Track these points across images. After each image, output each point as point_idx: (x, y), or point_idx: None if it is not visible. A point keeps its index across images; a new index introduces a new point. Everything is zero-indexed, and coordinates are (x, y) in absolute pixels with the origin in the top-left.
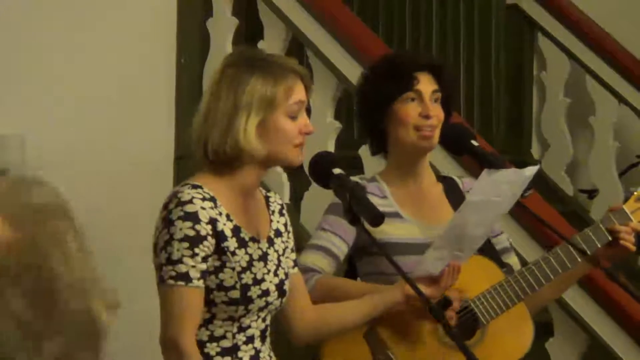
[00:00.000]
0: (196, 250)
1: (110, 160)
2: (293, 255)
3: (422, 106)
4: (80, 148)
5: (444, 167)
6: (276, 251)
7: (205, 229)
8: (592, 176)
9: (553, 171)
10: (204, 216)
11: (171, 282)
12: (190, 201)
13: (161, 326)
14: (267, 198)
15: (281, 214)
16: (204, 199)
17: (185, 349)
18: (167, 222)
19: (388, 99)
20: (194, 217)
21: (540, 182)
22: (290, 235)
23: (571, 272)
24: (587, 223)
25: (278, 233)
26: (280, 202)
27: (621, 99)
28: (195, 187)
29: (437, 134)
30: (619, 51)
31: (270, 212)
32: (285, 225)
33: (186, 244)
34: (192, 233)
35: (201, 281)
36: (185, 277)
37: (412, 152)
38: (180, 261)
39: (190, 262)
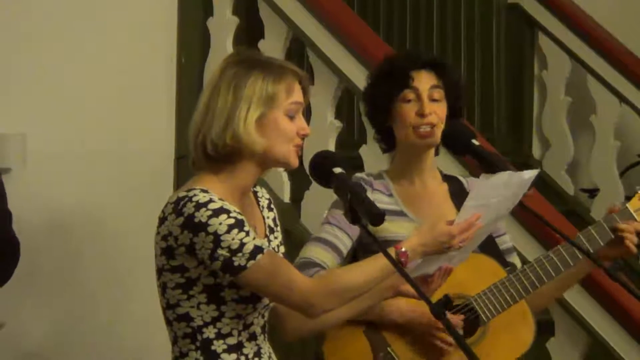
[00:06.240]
0: (246, 229)
1: (111, 160)
2: (282, 249)
3: (419, 105)
4: (81, 147)
5: (444, 167)
6: (273, 249)
7: (239, 214)
8: (593, 175)
9: (554, 170)
10: (231, 207)
11: (252, 262)
12: (211, 200)
13: (287, 298)
14: (255, 194)
15: (270, 209)
16: (219, 199)
17: (317, 289)
18: (197, 226)
19: (388, 99)
20: (224, 210)
21: (541, 182)
22: (279, 228)
23: (573, 271)
24: (588, 222)
25: (271, 230)
26: (267, 196)
27: (622, 98)
28: (204, 191)
29: (437, 131)
30: (620, 50)
31: (261, 208)
32: (275, 220)
33: (235, 230)
34: (232, 221)
35: (269, 247)
36: (258, 249)
37: (414, 150)
38: (242, 244)
39: (250, 239)
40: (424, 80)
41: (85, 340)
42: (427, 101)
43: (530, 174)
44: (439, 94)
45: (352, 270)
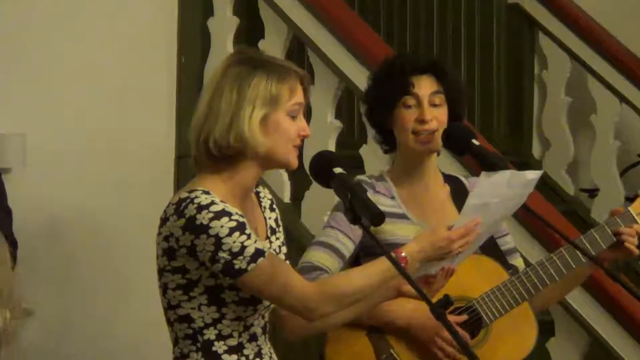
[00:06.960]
0: (247, 232)
1: (111, 160)
2: (284, 249)
3: (419, 111)
4: (81, 147)
5: (444, 167)
6: (274, 250)
7: (241, 216)
8: (593, 175)
9: (554, 170)
10: (233, 210)
11: (252, 265)
12: (212, 202)
13: (286, 301)
14: (257, 194)
15: (272, 209)
16: (221, 201)
17: (316, 293)
18: (199, 228)
19: (388, 103)
20: (226, 213)
21: (541, 182)
22: (281, 229)
23: (575, 274)
24: (588, 222)
25: (273, 231)
26: (269, 196)
27: (622, 98)
28: (206, 192)
29: (437, 137)
30: (620, 50)
31: (263, 209)
32: (277, 220)
33: (237, 233)
34: (234, 224)
35: (270, 249)
36: (259, 253)
37: (415, 155)
38: (243, 247)
39: (251, 242)
40: (425, 86)
41: (84, 340)
42: (427, 107)
43: (533, 175)
44: (439, 99)
45: (352, 275)
